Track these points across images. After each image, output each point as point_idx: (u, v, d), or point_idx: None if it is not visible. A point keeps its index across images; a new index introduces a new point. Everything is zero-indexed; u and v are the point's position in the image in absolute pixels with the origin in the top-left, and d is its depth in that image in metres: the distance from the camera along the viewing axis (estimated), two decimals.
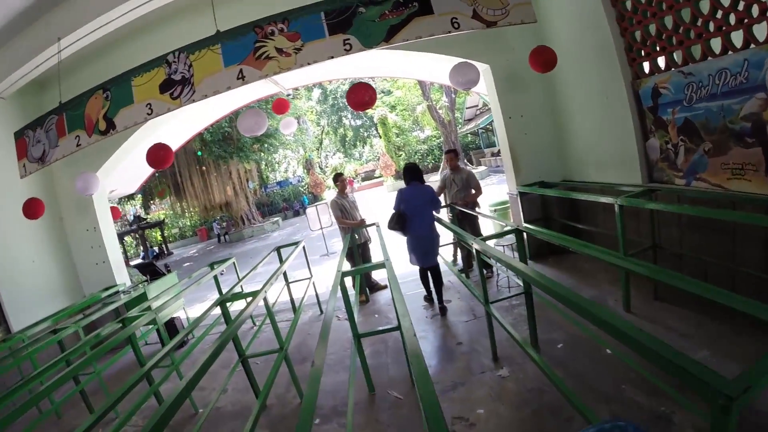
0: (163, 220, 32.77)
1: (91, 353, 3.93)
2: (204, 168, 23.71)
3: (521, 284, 4.36)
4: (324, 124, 56.35)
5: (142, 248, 30.38)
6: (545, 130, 7.04)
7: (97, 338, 4.97)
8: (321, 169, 50.24)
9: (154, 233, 32.82)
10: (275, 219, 29.73)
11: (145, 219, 31.21)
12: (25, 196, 6.52)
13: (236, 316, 3.73)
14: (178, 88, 5.03)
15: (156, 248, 30.12)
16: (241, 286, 7.11)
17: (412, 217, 5.99)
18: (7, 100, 7.21)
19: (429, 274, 6.32)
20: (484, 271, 7.00)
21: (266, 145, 24.17)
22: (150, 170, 11.40)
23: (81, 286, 8.43)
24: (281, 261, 6.83)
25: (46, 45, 6.00)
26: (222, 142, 22.50)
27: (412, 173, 6.24)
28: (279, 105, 8.46)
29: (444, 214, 7.32)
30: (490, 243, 7.59)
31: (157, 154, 5.47)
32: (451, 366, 4.58)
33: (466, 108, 33.85)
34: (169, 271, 8.50)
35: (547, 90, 6.94)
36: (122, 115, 5.25)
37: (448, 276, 7.00)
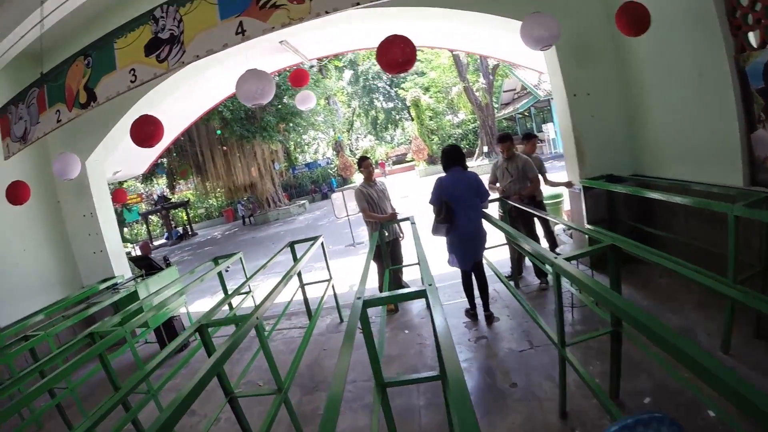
0: (189, 200, 32.24)
1: (63, 368, 3.35)
2: (225, 148, 22.83)
3: (602, 314, 3.27)
4: (355, 106, 55.56)
5: (165, 228, 29.98)
6: (616, 113, 5.77)
7: (74, 347, 4.25)
8: (351, 151, 49.40)
9: (180, 213, 32.29)
10: (302, 202, 28.85)
11: (170, 199, 30.68)
12: (16, 178, 5.74)
13: (229, 337, 2.88)
14: (165, 49, 4.06)
15: (180, 229, 29.55)
16: (249, 285, 6.19)
17: (455, 212, 4.97)
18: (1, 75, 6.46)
19: (473, 278, 5.26)
20: (540, 281, 5.96)
21: (292, 125, 23.05)
22: (161, 148, 10.51)
23: (80, 277, 7.70)
24: (295, 259, 5.86)
25: (30, 11, 5.25)
26: (244, 121, 21.44)
27: (453, 157, 5.14)
28: (297, 76, 7.29)
29: (493, 210, 6.10)
30: (564, 248, 6.59)
31: (143, 129, 4.45)
32: (502, 420, 3.45)
33: (503, 91, 32.31)
34: (168, 265, 7.52)
35: (620, 63, 5.66)
36: (103, 85, 4.39)
37: (494, 283, 5.83)
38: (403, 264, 6.43)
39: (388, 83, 53.57)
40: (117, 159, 8.41)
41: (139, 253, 21.80)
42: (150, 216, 30.86)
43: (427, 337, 5.00)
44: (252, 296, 6.55)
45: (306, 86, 8.42)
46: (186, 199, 31.80)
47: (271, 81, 4.79)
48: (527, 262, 6.52)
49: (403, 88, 36.34)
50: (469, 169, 5.19)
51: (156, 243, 28.39)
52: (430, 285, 2.88)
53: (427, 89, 34.94)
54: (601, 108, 5.76)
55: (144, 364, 4.15)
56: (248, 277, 5.56)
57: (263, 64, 8.31)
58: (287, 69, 9.32)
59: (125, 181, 15.59)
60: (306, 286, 6.08)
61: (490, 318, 5.15)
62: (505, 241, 6.25)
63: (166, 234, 29.20)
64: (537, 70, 10.08)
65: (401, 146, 49.02)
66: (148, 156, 10.42)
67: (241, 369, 4.37)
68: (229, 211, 33.11)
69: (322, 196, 33.23)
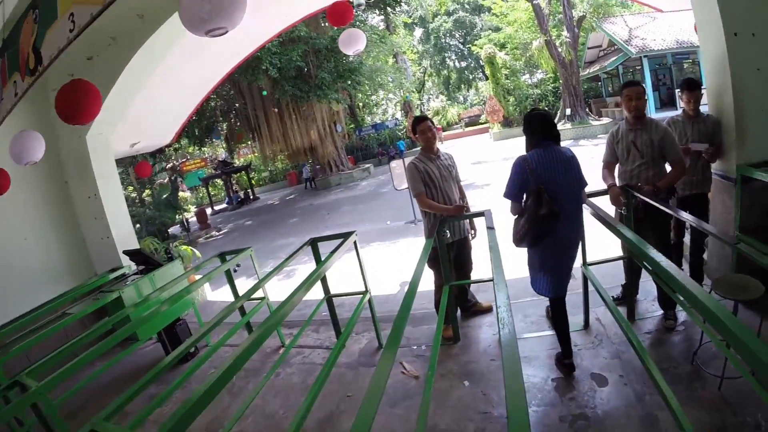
0: (250, 164, 31.56)
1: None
2: (276, 110, 21.39)
3: None
4: (426, 65, 53.56)
5: (226, 194, 29.43)
6: None
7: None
8: (421, 112, 47.49)
9: (243, 177, 31.67)
10: (366, 166, 27.32)
11: (231, 163, 30.01)
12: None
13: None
14: None
15: (242, 193, 28.90)
16: (264, 290, 4.79)
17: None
18: None
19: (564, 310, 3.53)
20: (664, 314, 4.19)
21: (350, 83, 21.28)
22: (186, 114, 9.21)
23: (92, 265, 6.73)
24: (318, 262, 4.40)
25: None
26: (297, 80, 19.68)
27: (543, 126, 3.39)
28: (336, 12, 5.37)
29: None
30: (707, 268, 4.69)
31: (70, 99, 3.04)
32: None
33: (588, 48, 29.14)
34: (170, 259, 6.23)
35: None
36: (47, 42, 3.40)
37: (595, 307, 4.11)
38: (472, 277, 4.81)
39: (461, 41, 51.33)
40: (130, 129, 7.24)
41: (194, 218, 21.24)
42: (213, 180, 30.30)
43: (497, 401, 3.37)
44: (267, 303, 5.08)
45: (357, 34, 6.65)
46: (247, 164, 31.09)
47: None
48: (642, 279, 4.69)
49: (476, 45, 33.73)
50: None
51: (217, 207, 28.02)
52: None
53: (502, 46, 32.28)
54: None
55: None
56: (261, 279, 4.24)
57: (302, 5, 6.77)
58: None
59: (168, 147, 14.39)
60: (336, 296, 4.61)
61: (570, 367, 3.53)
62: (621, 254, 4.47)
63: (227, 199, 28.60)
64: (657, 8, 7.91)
65: (474, 107, 46.38)
66: (170, 124, 9.16)
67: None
68: (292, 175, 32.24)
69: (389, 159, 31.58)
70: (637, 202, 3.95)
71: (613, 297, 4.19)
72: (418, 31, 54.03)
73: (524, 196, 3.39)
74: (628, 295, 4.34)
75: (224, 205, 28.22)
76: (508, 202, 3.50)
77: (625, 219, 4.02)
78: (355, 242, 4.50)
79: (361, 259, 4.59)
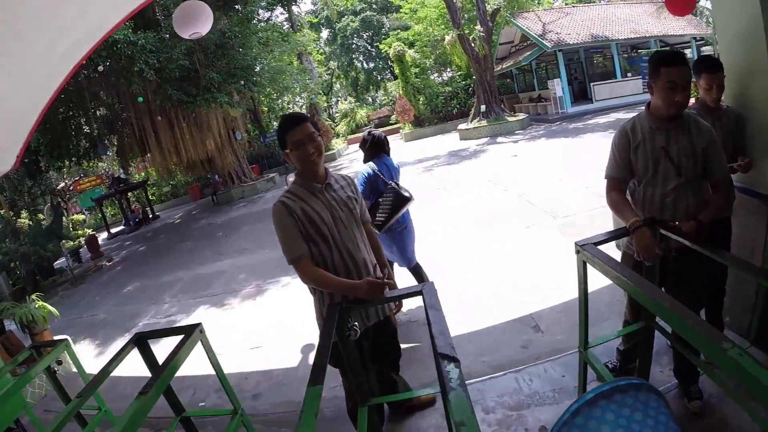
0: (146, 180, 28.26)
1: None
2: (160, 117, 18.11)
3: None
4: (334, 67, 52.00)
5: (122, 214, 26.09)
6: None
7: None
8: (330, 115, 45.67)
9: (141, 195, 28.38)
10: (272, 175, 24.99)
11: (126, 180, 26.65)
12: None
13: None
14: None
15: (141, 212, 25.72)
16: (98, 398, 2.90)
17: None
18: None
19: None
20: (688, 389, 2.69)
21: (243, 83, 18.43)
22: (24, 132, 6.93)
23: None
24: (153, 367, 2.64)
25: None
26: (181, 82, 16.56)
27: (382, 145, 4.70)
28: None
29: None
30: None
31: None
32: None
33: (499, 44, 28.47)
34: None
35: None
36: None
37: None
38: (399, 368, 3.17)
39: (368, 41, 50.15)
40: None
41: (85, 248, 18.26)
42: (108, 199, 26.89)
43: None
44: (107, 412, 3.17)
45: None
46: (143, 180, 27.86)
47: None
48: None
49: (385, 43, 32.43)
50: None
51: (115, 230, 24.76)
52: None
53: (411, 44, 31.11)
54: None
55: None
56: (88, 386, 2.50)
57: None
58: None
59: (13, 172, 11.64)
60: (195, 416, 2.79)
61: None
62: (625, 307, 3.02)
63: (123, 220, 25.30)
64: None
65: (384, 108, 45.08)
66: (8, 145, 6.82)
67: None
68: (194, 188, 29.29)
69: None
70: (669, 247, 2.45)
71: (607, 365, 2.86)
72: (325, 33, 52.51)
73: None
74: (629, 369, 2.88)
75: (122, 227, 24.88)
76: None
77: (645, 271, 2.50)
78: (202, 341, 2.68)
79: (218, 366, 2.78)
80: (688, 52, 23.49)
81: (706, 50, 24.88)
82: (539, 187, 9.53)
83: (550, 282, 5.08)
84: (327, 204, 2.51)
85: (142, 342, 2.83)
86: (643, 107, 2.62)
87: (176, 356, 2.42)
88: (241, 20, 17.46)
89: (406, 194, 4.31)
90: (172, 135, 18.77)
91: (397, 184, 4.38)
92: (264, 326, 5.94)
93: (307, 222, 2.43)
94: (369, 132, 4.74)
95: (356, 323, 2.32)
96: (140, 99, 16.28)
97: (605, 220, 6.46)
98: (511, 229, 7.37)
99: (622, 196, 2.65)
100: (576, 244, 2.48)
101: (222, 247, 11.71)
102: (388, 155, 4.67)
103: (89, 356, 6.76)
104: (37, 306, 6.37)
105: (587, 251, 2.35)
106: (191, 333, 2.63)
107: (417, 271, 4.83)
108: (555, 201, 8.30)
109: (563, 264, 5.50)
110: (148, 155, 21.40)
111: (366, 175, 4.36)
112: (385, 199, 4.31)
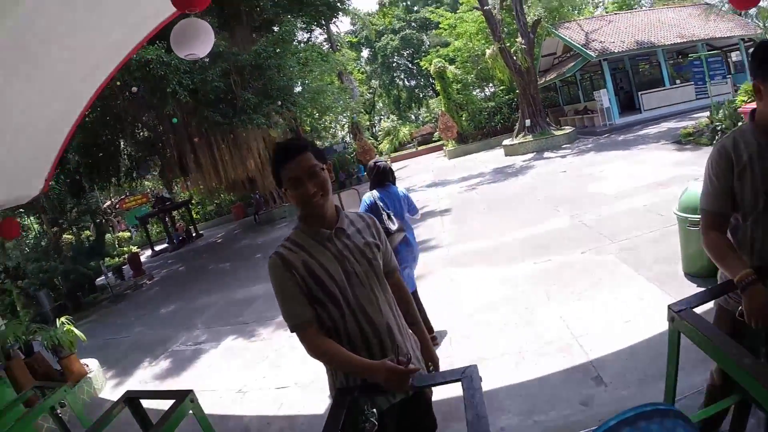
0: (190, 199, 28.36)
1: None
2: (197, 139, 17.94)
3: None
4: (376, 85, 52.17)
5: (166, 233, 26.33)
6: None
7: None
8: (372, 134, 45.60)
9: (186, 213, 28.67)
10: None
11: (170, 199, 26.90)
12: None
13: None
14: None
15: (183, 231, 25.88)
16: None
17: None
18: None
19: None
20: None
21: (280, 104, 18.10)
22: (52, 155, 6.80)
23: None
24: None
25: None
26: (218, 104, 16.18)
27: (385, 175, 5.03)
28: None
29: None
30: None
31: None
32: None
33: (541, 57, 27.73)
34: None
35: None
36: None
37: None
38: None
39: (409, 59, 50.19)
40: None
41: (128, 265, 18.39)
42: (153, 218, 27.24)
43: None
44: None
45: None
46: (187, 199, 28.09)
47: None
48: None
49: (425, 60, 32.17)
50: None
51: (159, 247, 25.02)
52: None
53: (452, 61, 30.71)
54: None
55: None
56: None
57: None
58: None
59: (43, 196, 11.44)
60: None
61: None
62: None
63: (167, 238, 25.56)
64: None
65: (426, 125, 44.68)
66: (33, 168, 6.66)
67: None
68: (238, 207, 29.41)
69: (340, 186, 29.13)
70: None
71: None
72: (366, 52, 52.86)
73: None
74: None
75: (165, 245, 25.07)
76: None
77: (749, 337, 1.93)
78: (193, 410, 2.20)
79: None
80: (734, 55, 22.39)
81: None
82: (592, 206, 8.81)
83: (613, 321, 4.46)
84: (337, 255, 1.97)
85: (133, 401, 2.42)
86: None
87: (162, 428, 1.99)
88: (276, 40, 17.25)
89: (392, 227, 4.47)
90: (211, 156, 18.72)
91: (389, 216, 4.56)
92: (293, 361, 5.48)
93: (311, 278, 1.91)
94: (375, 162, 5.09)
95: (374, 410, 1.80)
96: (175, 120, 16.28)
97: (668, 245, 5.84)
98: (564, 255, 6.71)
99: (724, 238, 2.06)
100: (670, 308, 1.90)
101: (259, 270, 11.41)
102: (394, 184, 5.01)
103: (112, 382, 6.73)
104: (65, 330, 6.18)
105: (685, 321, 1.76)
106: (181, 401, 2.18)
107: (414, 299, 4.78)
108: (611, 222, 7.61)
109: (627, 298, 4.86)
110: (190, 175, 21.55)
111: (368, 203, 4.71)
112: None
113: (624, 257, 6.01)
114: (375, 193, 4.80)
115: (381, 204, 4.66)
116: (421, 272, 7.19)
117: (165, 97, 14.48)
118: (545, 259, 6.74)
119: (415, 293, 4.80)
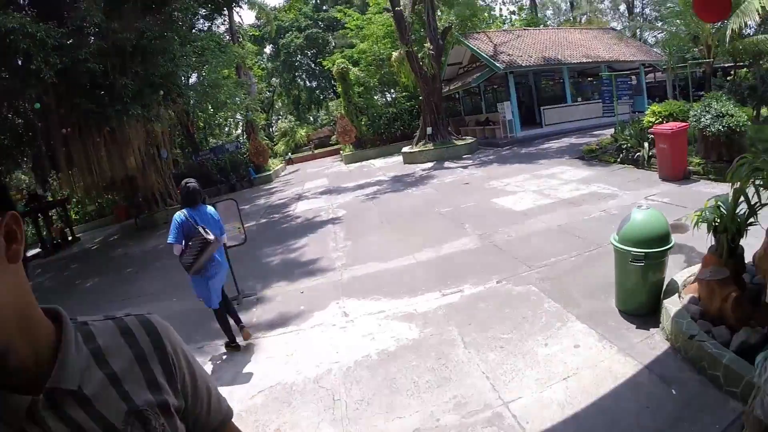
0: (68, 197, 24.59)
1: None
2: (66, 130, 15.00)
3: None
4: (276, 84, 50.43)
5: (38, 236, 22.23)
6: None
7: None
8: (268, 135, 43.47)
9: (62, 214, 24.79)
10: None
11: (44, 198, 22.90)
12: None
13: None
14: None
15: (58, 235, 22.08)
16: None
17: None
18: None
19: None
20: None
21: (162, 92, 15.75)
22: None
23: None
24: None
25: None
26: (92, 89, 13.42)
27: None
28: None
29: None
30: None
31: None
32: None
33: (447, 65, 27.50)
34: None
35: None
36: None
37: None
38: None
39: (312, 59, 48.72)
40: None
41: None
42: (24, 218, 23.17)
43: None
44: None
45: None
46: (64, 197, 24.36)
47: None
48: None
49: (329, 60, 31.04)
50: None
51: (31, 252, 20.84)
52: None
53: (356, 63, 29.81)
54: None
55: None
56: None
57: None
58: None
59: None
60: None
61: None
62: None
63: (39, 242, 21.55)
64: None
65: (325, 127, 43.54)
66: None
67: None
68: (120, 209, 25.79)
69: (230, 188, 26.81)
70: None
71: None
72: (269, 48, 50.99)
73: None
74: None
75: (38, 251, 20.96)
76: None
77: None
78: None
79: None
80: (635, 78, 23.51)
81: (656, 77, 25.11)
82: (502, 224, 8.03)
83: (549, 378, 3.56)
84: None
85: None
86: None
87: None
88: (167, 21, 14.91)
89: (210, 237, 4.68)
90: (84, 150, 16.06)
91: (204, 228, 4.75)
92: None
93: None
94: (185, 183, 5.15)
95: None
96: (37, 105, 13.29)
97: (594, 274, 5.12)
98: (477, 285, 5.74)
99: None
100: None
101: (129, 288, 9.65)
102: (204, 204, 5.18)
103: None
104: None
105: None
106: None
107: (227, 311, 5.26)
108: (525, 244, 6.84)
109: (560, 345, 4.01)
110: (61, 172, 18.58)
111: (179, 221, 4.83)
112: (194, 242, 4.69)
113: (546, 288, 5.19)
114: (185, 211, 4.93)
115: (192, 221, 4.81)
116: (309, 305, 6.11)
117: (29, 76, 11.84)
118: (455, 289, 5.73)
119: (218, 311, 5.08)
